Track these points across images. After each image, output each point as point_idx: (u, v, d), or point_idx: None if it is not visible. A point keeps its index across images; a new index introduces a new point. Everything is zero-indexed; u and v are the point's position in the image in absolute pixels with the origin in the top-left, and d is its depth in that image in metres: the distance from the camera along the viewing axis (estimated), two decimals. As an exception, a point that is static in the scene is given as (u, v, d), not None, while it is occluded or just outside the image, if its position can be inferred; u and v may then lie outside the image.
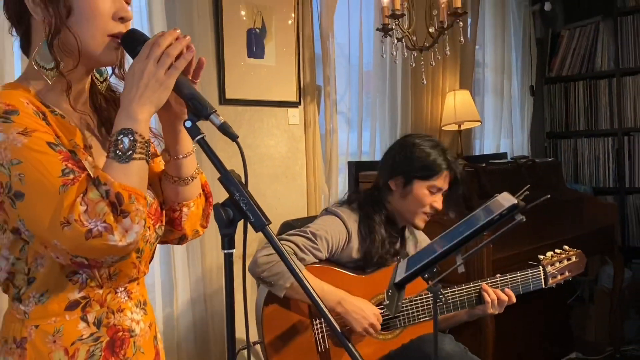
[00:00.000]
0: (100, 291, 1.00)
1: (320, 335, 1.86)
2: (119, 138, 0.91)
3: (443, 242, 1.24)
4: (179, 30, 0.97)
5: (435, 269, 1.25)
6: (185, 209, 1.10)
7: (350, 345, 0.99)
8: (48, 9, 0.94)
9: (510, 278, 1.89)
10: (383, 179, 2.00)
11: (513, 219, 1.13)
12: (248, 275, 1.32)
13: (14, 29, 1.02)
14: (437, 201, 1.94)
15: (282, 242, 1.83)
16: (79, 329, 0.98)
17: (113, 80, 1.09)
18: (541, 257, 1.93)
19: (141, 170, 0.92)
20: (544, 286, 1.91)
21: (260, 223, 0.98)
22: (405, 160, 1.96)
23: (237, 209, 0.99)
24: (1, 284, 1.00)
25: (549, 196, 1.14)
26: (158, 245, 2.26)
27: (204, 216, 1.14)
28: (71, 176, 0.88)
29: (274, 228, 2.62)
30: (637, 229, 3.97)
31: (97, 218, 0.85)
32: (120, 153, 0.91)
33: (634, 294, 3.68)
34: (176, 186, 1.07)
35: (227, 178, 1.00)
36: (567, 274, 1.93)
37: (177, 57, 0.94)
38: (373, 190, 2.03)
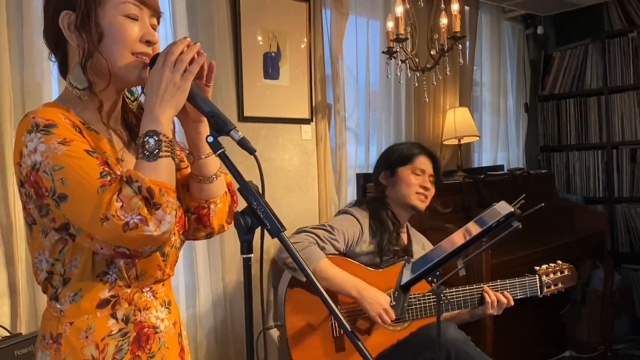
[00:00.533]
0: (128, 290, 1.01)
1: (336, 322, 1.88)
2: (145, 139, 0.93)
3: (445, 247, 1.23)
4: (188, 39, 0.99)
5: (438, 272, 1.24)
6: (212, 206, 1.10)
7: (351, 332, 0.99)
8: (82, 36, 0.96)
9: (509, 283, 1.91)
10: (374, 181, 2.17)
11: (510, 225, 1.13)
12: (264, 277, 1.32)
13: (52, 55, 1.04)
14: (425, 181, 2.05)
15: (306, 232, 1.90)
16: (109, 325, 0.98)
17: (143, 99, 1.11)
18: (537, 268, 1.95)
19: (168, 166, 0.94)
20: (539, 295, 1.93)
21: (276, 230, 0.99)
22: (385, 157, 2.18)
23: (255, 217, 1.00)
24: (41, 284, 1.01)
25: (543, 205, 1.13)
26: (182, 251, 2.27)
27: (229, 213, 1.14)
28: (108, 178, 0.89)
29: (288, 234, 2.62)
30: (626, 235, 3.93)
31: (133, 212, 0.87)
32: (147, 153, 0.92)
33: (623, 296, 3.64)
34: (202, 185, 1.08)
35: (245, 188, 1.00)
36: (560, 285, 1.97)
37: (190, 63, 0.96)
38: (375, 193, 2.16)
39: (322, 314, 1.88)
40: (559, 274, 1.95)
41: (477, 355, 1.78)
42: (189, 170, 1.12)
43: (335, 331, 1.89)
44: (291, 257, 1.00)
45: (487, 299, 1.84)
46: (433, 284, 1.22)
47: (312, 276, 1.00)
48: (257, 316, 1.05)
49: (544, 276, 1.93)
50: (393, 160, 2.11)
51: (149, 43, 1.00)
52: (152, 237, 0.89)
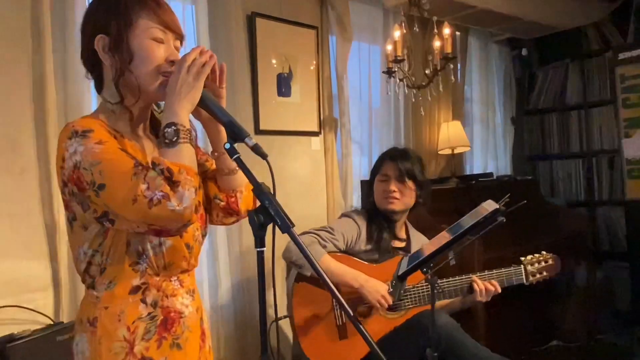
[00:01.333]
0: (157, 278, 1.01)
1: (339, 311, 1.87)
2: (166, 130, 0.94)
3: (439, 241, 1.23)
4: (202, 46, 1.00)
5: (431, 264, 1.23)
6: (239, 194, 1.12)
7: (356, 320, 0.99)
8: (115, 57, 0.98)
9: (496, 273, 1.88)
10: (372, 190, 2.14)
11: (495, 220, 1.12)
12: (276, 268, 1.32)
13: (89, 74, 1.06)
14: (389, 185, 2.01)
15: (309, 234, 1.91)
16: (139, 310, 0.99)
17: None
18: (522, 258, 1.92)
19: (188, 151, 0.94)
20: (525, 282, 1.89)
21: (286, 226, 0.99)
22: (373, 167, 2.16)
23: (267, 215, 1.00)
24: (81, 274, 1.02)
25: (525, 202, 1.12)
26: (205, 249, 2.29)
27: (253, 198, 1.15)
28: (140, 167, 0.91)
29: (297, 234, 2.62)
30: (606, 235, 3.87)
31: (156, 189, 0.87)
32: (168, 141, 0.93)
33: (605, 290, 3.58)
34: (228, 177, 1.10)
35: (259, 189, 1.01)
36: (545, 274, 1.92)
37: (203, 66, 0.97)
38: (371, 199, 2.13)
39: (326, 305, 1.88)
40: (543, 264, 1.91)
41: (465, 340, 1.76)
42: (213, 166, 1.14)
43: (339, 320, 1.88)
44: (300, 250, 1.00)
45: (476, 287, 1.82)
46: (427, 274, 1.21)
47: (318, 266, 1.00)
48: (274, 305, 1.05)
49: (529, 265, 1.90)
50: (371, 172, 2.14)
51: (172, 63, 1.01)
52: (175, 211, 0.89)
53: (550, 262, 1.92)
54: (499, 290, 1.84)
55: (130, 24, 0.98)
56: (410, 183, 2.00)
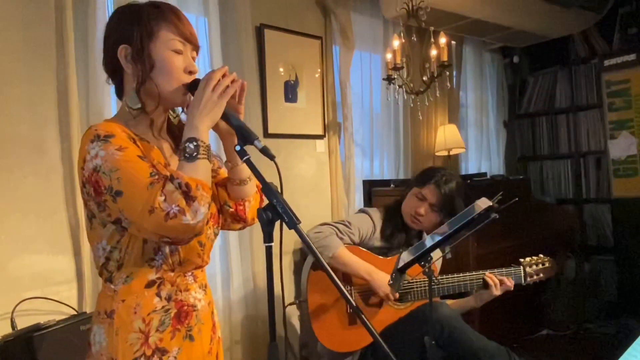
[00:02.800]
0: (172, 274, 1.00)
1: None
2: (186, 145, 0.93)
3: (436, 236, 1.22)
4: (226, 67, 1.00)
5: (430, 258, 1.22)
6: (247, 203, 1.12)
7: (359, 311, 0.98)
8: (137, 65, 0.97)
9: (497, 272, 1.87)
10: (405, 189, 2.05)
11: (489, 216, 1.11)
12: (284, 262, 1.32)
13: (109, 79, 1.05)
14: (420, 207, 1.92)
15: (329, 225, 1.90)
16: (154, 303, 0.98)
17: (183, 117, 1.12)
18: (521, 260, 1.90)
19: (205, 167, 0.94)
20: (523, 283, 1.88)
21: (292, 222, 0.98)
22: (417, 174, 2.06)
23: (274, 212, 0.99)
24: (99, 268, 1.01)
25: (517, 199, 1.11)
26: (218, 245, 2.29)
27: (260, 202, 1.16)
28: (156, 177, 0.90)
29: (306, 230, 2.62)
30: (594, 230, 3.84)
31: (173, 203, 0.87)
32: (188, 155, 0.93)
33: (592, 282, 3.55)
34: (239, 187, 1.10)
35: (267, 188, 1.00)
36: (541, 275, 1.90)
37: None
38: (398, 200, 2.06)
39: (338, 293, 1.87)
40: (540, 266, 1.90)
41: (466, 330, 1.74)
42: (224, 174, 1.14)
43: (349, 307, 1.87)
44: (304, 244, 1.00)
45: (490, 282, 1.79)
46: (425, 267, 1.20)
47: (322, 260, 1.00)
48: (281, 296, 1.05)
49: (527, 267, 1.88)
50: (416, 178, 2.03)
51: (191, 73, 1.01)
52: (189, 225, 0.88)
53: (547, 264, 1.90)
54: (512, 287, 1.82)
55: (151, 35, 0.98)
56: (439, 215, 1.93)
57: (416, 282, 1.86)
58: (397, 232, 1.96)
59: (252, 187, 1.12)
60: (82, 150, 0.94)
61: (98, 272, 1.02)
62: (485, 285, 1.82)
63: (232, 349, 2.34)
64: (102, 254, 0.98)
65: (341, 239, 1.87)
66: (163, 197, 0.87)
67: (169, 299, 0.99)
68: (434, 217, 1.92)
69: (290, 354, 2.54)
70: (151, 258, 0.97)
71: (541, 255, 1.93)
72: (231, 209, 1.11)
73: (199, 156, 0.93)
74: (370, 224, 1.97)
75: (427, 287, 1.85)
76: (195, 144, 0.93)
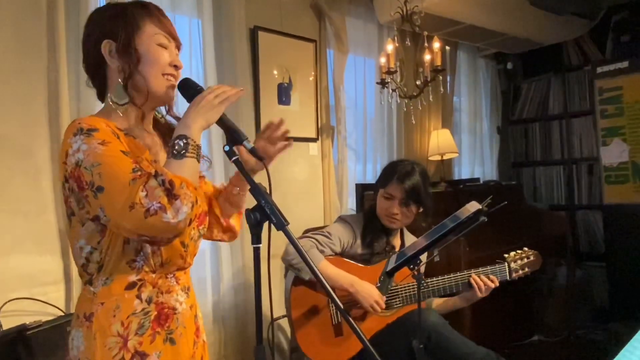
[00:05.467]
0: (153, 275, 0.98)
1: (334, 311, 1.84)
2: (176, 141, 0.92)
3: (425, 239, 1.22)
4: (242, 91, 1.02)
5: (419, 261, 1.22)
6: (236, 214, 1.19)
7: (350, 318, 0.98)
8: (123, 59, 0.97)
9: (482, 270, 1.85)
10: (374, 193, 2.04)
11: (478, 220, 1.11)
12: (274, 265, 1.31)
13: (90, 81, 1.04)
14: (392, 206, 1.90)
15: (308, 238, 1.87)
16: (134, 305, 0.95)
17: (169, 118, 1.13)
18: (506, 255, 1.89)
19: (192, 166, 0.93)
20: (508, 279, 1.86)
21: (280, 224, 0.98)
22: (379, 175, 2.02)
23: (263, 213, 0.99)
24: (79, 270, 0.98)
25: (506, 203, 1.11)
26: (209, 247, 2.27)
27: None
28: (139, 173, 0.88)
29: (297, 234, 2.60)
30: (586, 237, 3.86)
31: (154, 200, 0.84)
32: (176, 152, 0.92)
33: (583, 289, 3.57)
34: (231, 207, 1.16)
35: (255, 189, 1.00)
36: (526, 269, 1.87)
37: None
38: (373, 203, 2.04)
39: (322, 306, 1.85)
40: (525, 260, 1.87)
41: (454, 337, 1.73)
42: (205, 186, 1.18)
43: (334, 319, 1.84)
44: (296, 249, 0.99)
45: (474, 284, 1.77)
46: (414, 271, 1.20)
47: (315, 267, 0.99)
48: (274, 301, 1.05)
49: (512, 262, 1.85)
50: (378, 179, 2.02)
51: (176, 67, 1.02)
52: (169, 224, 0.86)
53: (532, 258, 1.88)
54: (497, 284, 1.79)
55: (137, 28, 0.98)
56: (413, 206, 1.91)
57: (401, 287, 1.84)
58: (377, 237, 1.93)
59: (242, 202, 1.16)
60: (64, 144, 0.93)
61: (79, 274, 1.00)
62: (469, 285, 1.80)
63: (222, 353, 2.33)
64: (81, 254, 0.96)
65: (322, 251, 1.84)
66: (144, 193, 0.85)
67: (149, 301, 0.97)
68: (407, 211, 1.91)
69: (280, 358, 2.53)
70: (132, 259, 0.95)
71: (525, 249, 1.90)
72: (224, 224, 1.15)
73: (187, 154, 0.92)
74: (350, 232, 1.93)
75: (412, 293, 1.84)
76: (185, 141, 0.92)
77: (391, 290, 1.82)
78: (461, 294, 1.86)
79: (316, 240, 1.86)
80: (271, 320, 1.10)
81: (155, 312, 0.97)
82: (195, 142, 0.93)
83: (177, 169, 0.90)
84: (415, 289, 1.80)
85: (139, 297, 0.96)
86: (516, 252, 1.88)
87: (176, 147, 0.92)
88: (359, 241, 1.93)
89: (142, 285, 0.97)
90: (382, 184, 1.94)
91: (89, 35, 1.01)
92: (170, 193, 0.86)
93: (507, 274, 1.83)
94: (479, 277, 1.80)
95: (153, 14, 1.00)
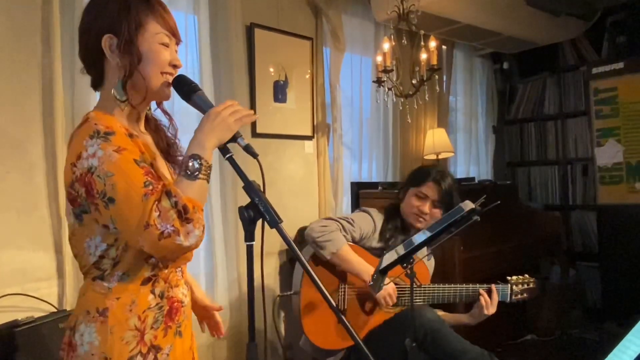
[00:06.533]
0: (166, 270, 1.00)
1: (342, 296, 1.87)
2: (190, 161, 0.92)
3: (417, 238, 1.22)
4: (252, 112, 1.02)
5: (412, 259, 1.23)
6: None
7: (341, 315, 0.98)
8: (124, 57, 0.95)
9: (486, 287, 1.87)
10: (399, 192, 2.06)
11: (471, 219, 1.12)
12: (265, 260, 1.31)
13: (85, 69, 1.02)
14: (424, 206, 1.94)
15: (333, 220, 1.89)
16: (149, 300, 0.97)
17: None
18: (509, 278, 1.91)
19: (203, 188, 0.93)
20: (508, 301, 1.88)
21: (274, 222, 0.98)
22: (409, 174, 2.07)
23: (256, 211, 0.99)
24: (88, 267, 0.96)
25: (499, 202, 1.12)
26: (203, 244, 2.28)
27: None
28: (150, 187, 0.87)
29: (292, 232, 2.62)
30: (579, 237, 3.89)
31: (167, 222, 0.85)
32: (189, 172, 0.91)
33: (577, 289, 3.59)
34: None
35: (249, 186, 1.00)
36: (525, 295, 1.90)
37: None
38: (396, 201, 2.07)
39: (331, 290, 1.86)
40: (526, 286, 1.90)
41: (449, 335, 1.75)
42: None
43: (341, 304, 1.87)
44: (289, 246, 0.99)
45: (482, 302, 1.79)
46: (406, 269, 1.20)
47: (306, 263, 1.00)
48: (268, 293, 1.05)
49: (514, 286, 1.88)
50: (409, 179, 2.04)
51: (175, 67, 1.02)
52: (181, 246, 0.87)
53: (531, 285, 1.91)
54: (497, 298, 1.83)
55: (140, 26, 0.96)
56: (441, 211, 1.94)
57: (408, 288, 1.85)
58: (397, 234, 1.96)
59: None
60: (77, 145, 0.90)
61: (84, 270, 0.98)
62: (477, 298, 1.82)
63: (216, 349, 2.33)
64: (95, 252, 0.94)
65: (345, 236, 1.87)
66: (157, 213, 0.85)
67: (162, 296, 0.99)
68: (437, 213, 1.95)
69: (274, 354, 2.54)
70: (149, 255, 0.95)
71: (526, 275, 1.93)
72: None
73: (199, 176, 0.92)
74: (371, 224, 1.97)
75: (421, 293, 1.86)
76: (199, 163, 0.92)
77: (400, 288, 1.85)
78: (470, 312, 1.89)
79: (341, 224, 1.89)
80: (264, 317, 1.10)
81: (168, 307, 0.99)
82: (208, 163, 0.94)
83: (187, 189, 0.90)
84: (422, 289, 1.84)
85: (152, 292, 0.98)
86: (518, 277, 1.92)
87: (190, 168, 0.92)
88: (376, 234, 1.96)
89: (156, 280, 0.98)
90: (416, 184, 1.97)
91: (88, 26, 0.98)
92: (183, 216, 0.87)
93: (508, 295, 1.86)
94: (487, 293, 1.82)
95: (156, 11, 0.99)
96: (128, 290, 0.95)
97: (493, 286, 1.85)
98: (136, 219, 0.84)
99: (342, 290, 1.88)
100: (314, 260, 1.87)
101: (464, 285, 1.87)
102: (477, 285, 1.86)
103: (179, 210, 0.86)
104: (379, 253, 1.93)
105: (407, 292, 1.86)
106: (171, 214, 0.85)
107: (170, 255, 0.90)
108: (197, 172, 0.91)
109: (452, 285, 1.87)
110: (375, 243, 1.96)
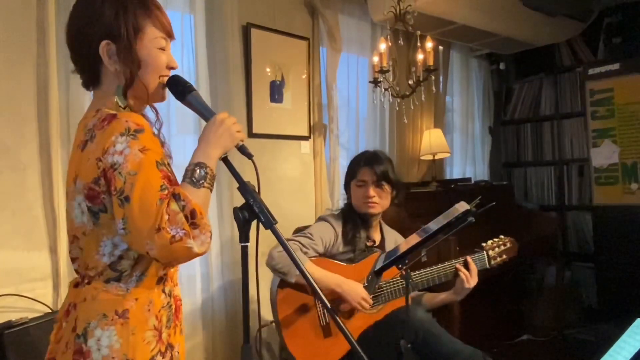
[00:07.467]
0: (172, 269, 1.01)
1: (322, 312, 1.84)
2: (196, 169, 0.93)
3: (413, 239, 1.22)
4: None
5: (406, 260, 1.23)
6: None
7: (338, 318, 0.98)
8: (124, 64, 0.94)
9: (462, 260, 1.85)
10: (345, 192, 2.10)
11: (466, 220, 1.12)
12: (260, 261, 1.32)
13: (77, 71, 1.01)
14: (367, 190, 1.96)
15: (289, 241, 1.86)
16: (162, 299, 0.97)
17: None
18: (483, 244, 1.90)
19: (207, 196, 0.94)
20: (488, 267, 1.87)
21: (269, 223, 0.99)
22: (346, 173, 2.10)
23: (251, 212, 1.00)
24: (101, 267, 0.93)
25: (494, 203, 1.12)
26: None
27: None
28: (166, 192, 0.87)
29: (288, 233, 2.61)
30: (575, 237, 3.90)
31: (177, 226, 0.85)
32: (195, 180, 0.92)
33: (572, 289, 3.61)
34: None
35: (243, 187, 1.00)
36: (504, 257, 1.89)
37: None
38: (347, 202, 2.09)
39: (309, 308, 1.84)
40: (502, 247, 1.89)
41: (441, 333, 1.74)
42: None
43: (322, 320, 1.85)
44: (282, 247, 1.00)
45: (462, 276, 1.78)
46: (402, 270, 1.20)
47: (304, 268, 1.00)
48: (263, 294, 1.05)
49: (490, 250, 1.87)
50: (346, 175, 2.08)
51: (172, 69, 1.01)
52: (191, 250, 0.87)
53: (508, 245, 1.90)
54: (476, 268, 1.81)
55: (138, 32, 0.95)
56: (386, 186, 1.96)
57: (384, 283, 1.85)
58: (358, 232, 1.96)
59: None
60: (106, 140, 0.87)
61: (93, 272, 0.94)
62: (456, 275, 1.81)
63: (211, 351, 2.33)
64: (113, 251, 0.92)
65: (305, 253, 1.85)
66: (167, 216, 0.84)
67: (170, 294, 1.00)
68: (382, 192, 1.96)
69: (269, 355, 2.53)
70: None
71: (501, 236, 1.92)
72: None
73: (204, 184, 0.92)
74: (331, 232, 1.95)
75: (396, 288, 1.84)
76: (205, 171, 0.93)
77: (375, 287, 1.83)
78: (453, 289, 1.86)
79: (299, 242, 1.86)
80: (259, 318, 1.10)
81: (174, 305, 1.01)
82: (213, 172, 0.94)
83: (194, 197, 0.90)
84: (399, 282, 1.84)
85: (164, 291, 0.99)
86: (493, 240, 1.91)
87: (195, 175, 0.92)
88: (340, 239, 1.95)
89: (165, 279, 0.99)
90: (352, 175, 2.02)
91: (83, 31, 0.95)
92: (189, 220, 0.87)
93: (487, 261, 1.85)
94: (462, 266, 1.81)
95: (153, 14, 0.98)
96: (145, 291, 0.95)
97: (468, 257, 1.83)
98: (148, 222, 0.83)
99: (320, 306, 1.85)
100: (282, 286, 1.84)
101: (440, 265, 1.84)
102: (453, 261, 1.84)
103: (186, 215, 0.86)
104: (349, 255, 1.92)
105: (384, 289, 1.85)
106: (180, 217, 0.85)
107: (177, 260, 0.90)
108: (202, 180, 0.92)
109: (428, 269, 1.84)
110: (342, 248, 1.94)
